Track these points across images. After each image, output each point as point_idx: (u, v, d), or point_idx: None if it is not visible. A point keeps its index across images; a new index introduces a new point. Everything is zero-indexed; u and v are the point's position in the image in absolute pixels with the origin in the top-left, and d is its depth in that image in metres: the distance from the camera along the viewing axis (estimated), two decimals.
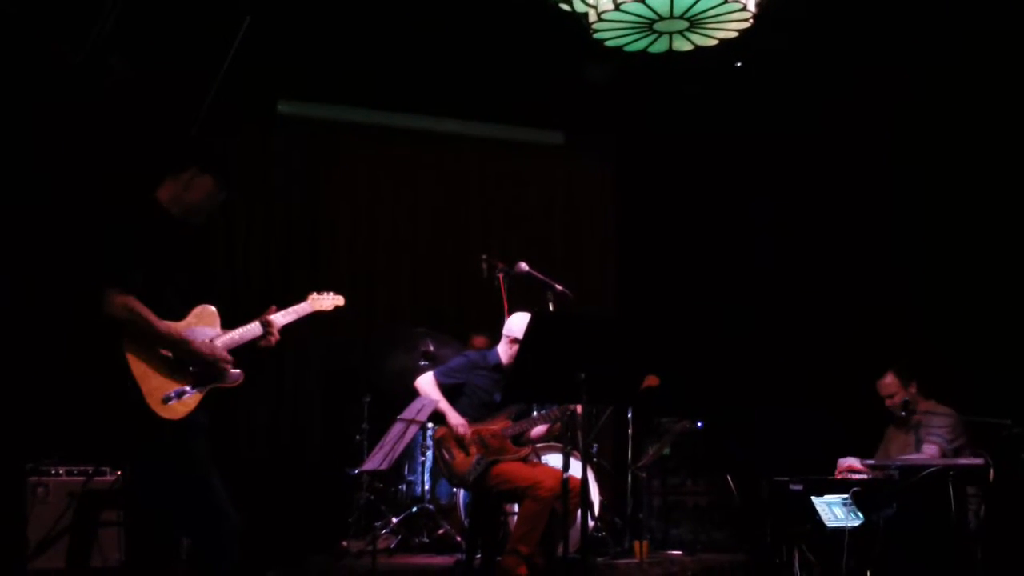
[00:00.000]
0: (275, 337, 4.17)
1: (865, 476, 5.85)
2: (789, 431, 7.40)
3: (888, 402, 6.29)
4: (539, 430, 6.01)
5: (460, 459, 5.61)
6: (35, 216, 6.52)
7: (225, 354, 3.94)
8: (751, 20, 6.01)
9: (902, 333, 7.40)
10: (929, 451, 6.00)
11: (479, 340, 7.55)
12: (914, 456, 6.03)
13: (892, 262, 7.82)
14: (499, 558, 5.48)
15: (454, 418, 5.68)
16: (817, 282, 8.18)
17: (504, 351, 5.85)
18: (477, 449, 5.60)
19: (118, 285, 3.70)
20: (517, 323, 5.79)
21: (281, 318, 4.24)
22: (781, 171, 8.47)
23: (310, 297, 4.52)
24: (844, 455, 6.10)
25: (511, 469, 5.57)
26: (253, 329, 4.14)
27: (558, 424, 5.94)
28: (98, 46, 6.48)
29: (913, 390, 6.22)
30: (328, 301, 4.59)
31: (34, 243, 6.47)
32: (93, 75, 6.66)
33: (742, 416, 7.72)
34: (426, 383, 5.84)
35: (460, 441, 5.63)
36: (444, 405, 5.74)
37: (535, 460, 6.02)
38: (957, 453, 5.96)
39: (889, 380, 6.28)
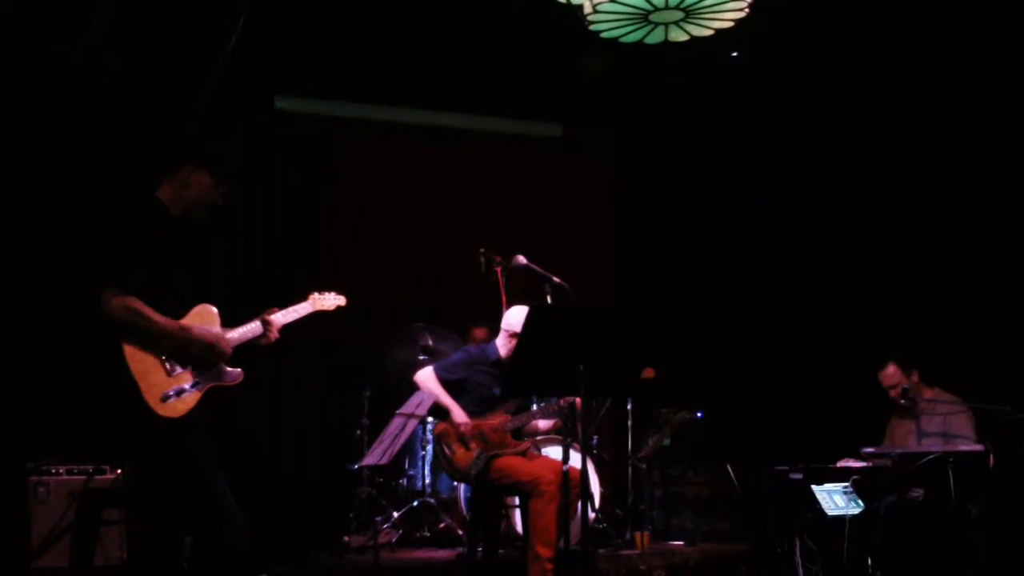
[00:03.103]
0: (274, 335, 4.17)
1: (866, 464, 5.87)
2: (781, 428, 7.42)
3: (892, 392, 6.29)
4: (546, 424, 6.00)
5: (460, 454, 5.60)
6: (34, 216, 6.53)
7: (226, 340, 3.94)
8: (746, 9, 6.01)
9: (900, 322, 7.40)
10: (962, 444, 5.96)
11: (479, 332, 7.54)
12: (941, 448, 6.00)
13: (888, 252, 7.82)
14: (527, 568, 5.38)
15: (459, 414, 5.64)
16: (814, 273, 8.17)
17: (503, 345, 5.82)
18: (477, 444, 5.60)
19: (117, 285, 3.69)
20: (515, 317, 5.77)
21: (281, 317, 4.24)
22: (779, 164, 8.46)
23: (311, 297, 4.50)
24: (833, 452, 6.11)
25: (511, 463, 5.56)
26: (253, 328, 4.14)
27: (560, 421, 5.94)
28: (95, 44, 6.48)
29: (915, 379, 6.21)
30: (330, 301, 4.57)
31: (33, 243, 6.47)
32: (90, 73, 6.66)
33: (739, 409, 7.73)
34: (426, 378, 5.80)
35: (460, 436, 5.62)
36: (448, 400, 5.70)
37: (534, 453, 6.03)
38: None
39: (891, 371, 6.27)
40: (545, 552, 5.27)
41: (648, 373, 5.29)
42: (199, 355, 3.85)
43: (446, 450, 5.62)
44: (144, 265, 3.77)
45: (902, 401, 6.18)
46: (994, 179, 7.22)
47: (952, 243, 7.40)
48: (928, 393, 6.17)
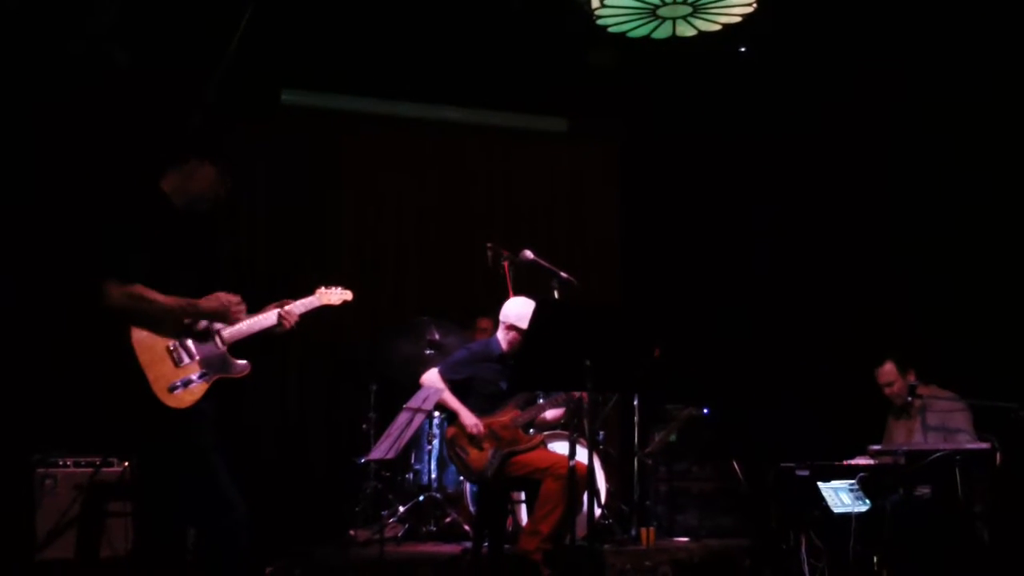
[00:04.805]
0: (290, 324, 4.17)
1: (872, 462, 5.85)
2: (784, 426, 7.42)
3: (887, 391, 6.26)
4: (554, 414, 5.98)
5: (475, 455, 5.56)
6: (39, 207, 6.53)
7: (238, 299, 3.96)
8: (754, 5, 6.00)
9: (898, 321, 7.39)
10: (963, 439, 5.93)
11: (484, 322, 7.52)
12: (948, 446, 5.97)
13: (889, 249, 7.82)
14: (518, 540, 5.40)
15: (468, 418, 5.60)
16: (816, 270, 8.16)
17: (503, 338, 5.79)
18: (490, 443, 5.56)
19: (117, 276, 3.70)
20: (513, 309, 5.73)
21: (297, 308, 4.25)
22: (781, 161, 8.44)
23: (318, 291, 4.51)
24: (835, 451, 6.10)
25: (528, 457, 5.56)
26: (266, 318, 4.14)
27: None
28: (100, 36, 6.48)
29: (912, 378, 6.19)
30: (336, 296, 4.58)
31: (38, 235, 6.47)
32: (95, 66, 6.66)
33: (745, 406, 7.71)
34: (433, 380, 5.74)
35: (472, 437, 5.60)
36: (456, 404, 5.66)
37: (545, 448, 6.01)
38: None
39: (888, 368, 6.25)
40: (545, 528, 5.26)
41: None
42: (213, 319, 3.87)
43: (460, 452, 5.58)
44: (145, 256, 3.77)
45: (909, 398, 6.15)
46: (991, 179, 7.21)
47: (949, 243, 7.40)
48: (925, 391, 6.15)
